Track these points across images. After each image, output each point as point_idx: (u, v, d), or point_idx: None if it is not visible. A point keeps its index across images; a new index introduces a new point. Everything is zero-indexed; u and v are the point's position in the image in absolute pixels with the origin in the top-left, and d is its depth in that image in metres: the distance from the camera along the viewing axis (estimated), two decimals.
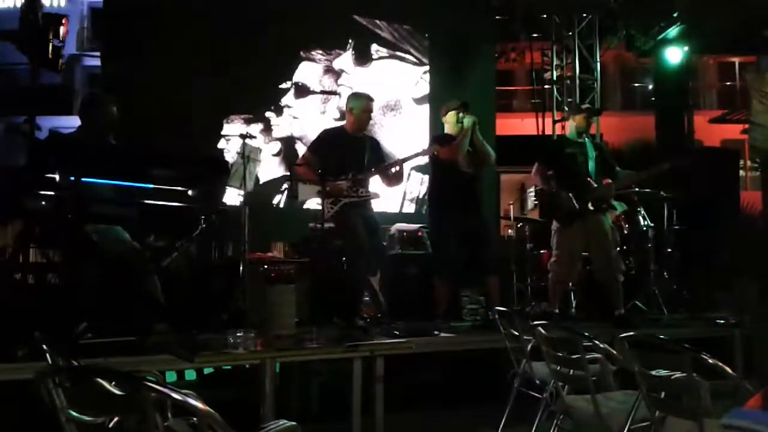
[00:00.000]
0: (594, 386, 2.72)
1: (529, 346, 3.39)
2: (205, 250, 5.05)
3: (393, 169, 5.04)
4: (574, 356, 2.84)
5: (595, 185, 5.34)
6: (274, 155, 7.16)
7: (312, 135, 5.58)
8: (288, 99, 7.32)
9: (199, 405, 1.50)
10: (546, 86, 10.49)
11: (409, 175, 7.17)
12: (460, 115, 5.08)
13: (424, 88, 8.15)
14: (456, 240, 4.98)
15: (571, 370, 2.92)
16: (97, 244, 3.72)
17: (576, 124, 5.50)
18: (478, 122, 5.12)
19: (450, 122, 5.18)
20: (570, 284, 5.82)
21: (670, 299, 6.30)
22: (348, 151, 4.89)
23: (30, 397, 1.83)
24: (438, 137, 5.34)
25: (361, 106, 4.99)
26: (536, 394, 3.43)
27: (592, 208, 5.25)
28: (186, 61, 6.45)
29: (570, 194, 5.27)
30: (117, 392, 1.66)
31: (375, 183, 5.06)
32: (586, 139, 5.54)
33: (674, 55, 10.48)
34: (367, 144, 5.03)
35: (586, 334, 2.86)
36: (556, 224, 5.45)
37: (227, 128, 6.75)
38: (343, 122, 5.25)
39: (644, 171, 5.52)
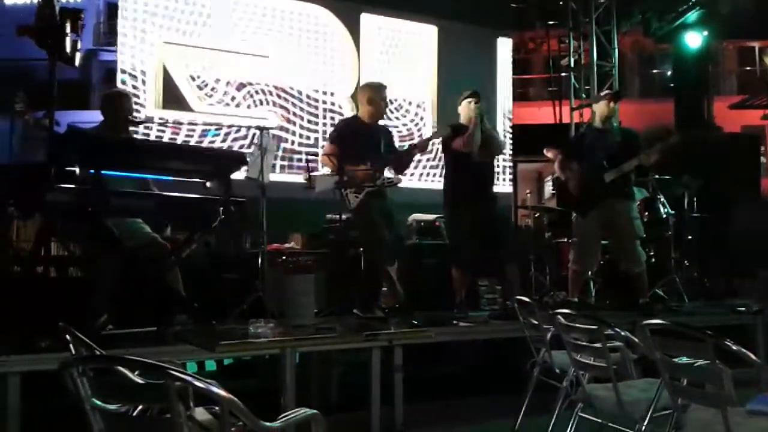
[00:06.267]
0: (615, 375, 2.70)
1: (549, 335, 3.38)
2: (223, 242, 5.08)
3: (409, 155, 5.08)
4: (595, 345, 2.82)
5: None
6: None
7: None
8: None
9: (222, 392, 1.51)
10: (563, 74, 10.39)
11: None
12: (472, 104, 5.06)
13: None
14: (472, 230, 4.96)
15: (592, 359, 2.90)
16: (117, 236, 3.74)
17: (599, 111, 5.38)
18: (485, 112, 5.11)
19: (463, 112, 5.16)
20: (589, 273, 5.76)
21: (691, 287, 6.24)
22: (365, 141, 4.90)
23: (55, 387, 1.85)
24: (450, 126, 5.32)
25: (377, 95, 5.00)
26: (556, 383, 3.41)
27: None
28: None
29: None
30: (140, 381, 1.67)
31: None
32: (614, 125, 5.39)
33: (693, 40, 10.35)
34: (381, 133, 5.05)
35: (607, 322, 2.84)
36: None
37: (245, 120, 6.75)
38: (357, 113, 5.26)
39: (653, 149, 5.09)
